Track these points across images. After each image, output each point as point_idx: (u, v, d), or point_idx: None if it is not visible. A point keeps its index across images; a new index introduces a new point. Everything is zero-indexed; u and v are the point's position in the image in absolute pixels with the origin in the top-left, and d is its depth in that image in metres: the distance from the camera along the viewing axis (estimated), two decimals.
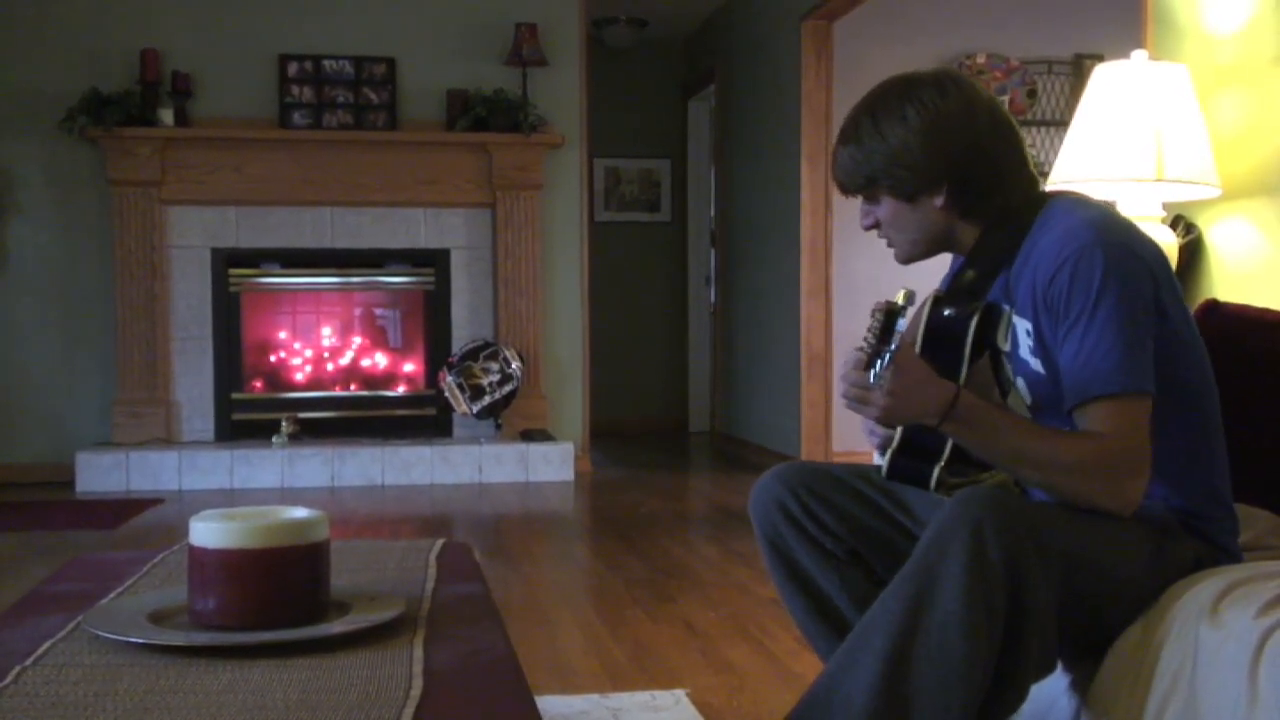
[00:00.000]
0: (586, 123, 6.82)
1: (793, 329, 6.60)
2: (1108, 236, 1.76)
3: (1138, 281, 1.75)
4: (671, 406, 9.03)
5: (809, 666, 2.89)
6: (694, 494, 6.47)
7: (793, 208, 6.57)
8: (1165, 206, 3.21)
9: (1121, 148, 3.03)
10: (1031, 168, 1.92)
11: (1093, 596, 1.70)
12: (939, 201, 1.87)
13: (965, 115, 1.86)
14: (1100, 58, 5.83)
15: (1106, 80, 3.13)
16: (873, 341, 1.76)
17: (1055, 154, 3.28)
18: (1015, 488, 2.02)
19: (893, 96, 1.89)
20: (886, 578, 1.96)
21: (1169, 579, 1.75)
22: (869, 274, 6.69)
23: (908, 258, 1.96)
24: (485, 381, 6.24)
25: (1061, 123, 6.57)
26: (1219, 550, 1.84)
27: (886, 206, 1.91)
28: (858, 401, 1.80)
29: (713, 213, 8.60)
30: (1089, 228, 1.77)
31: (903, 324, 1.77)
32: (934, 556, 1.63)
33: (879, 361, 1.75)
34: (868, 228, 1.97)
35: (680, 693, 2.77)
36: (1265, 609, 1.54)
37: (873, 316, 1.78)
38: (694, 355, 9.00)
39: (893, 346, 1.74)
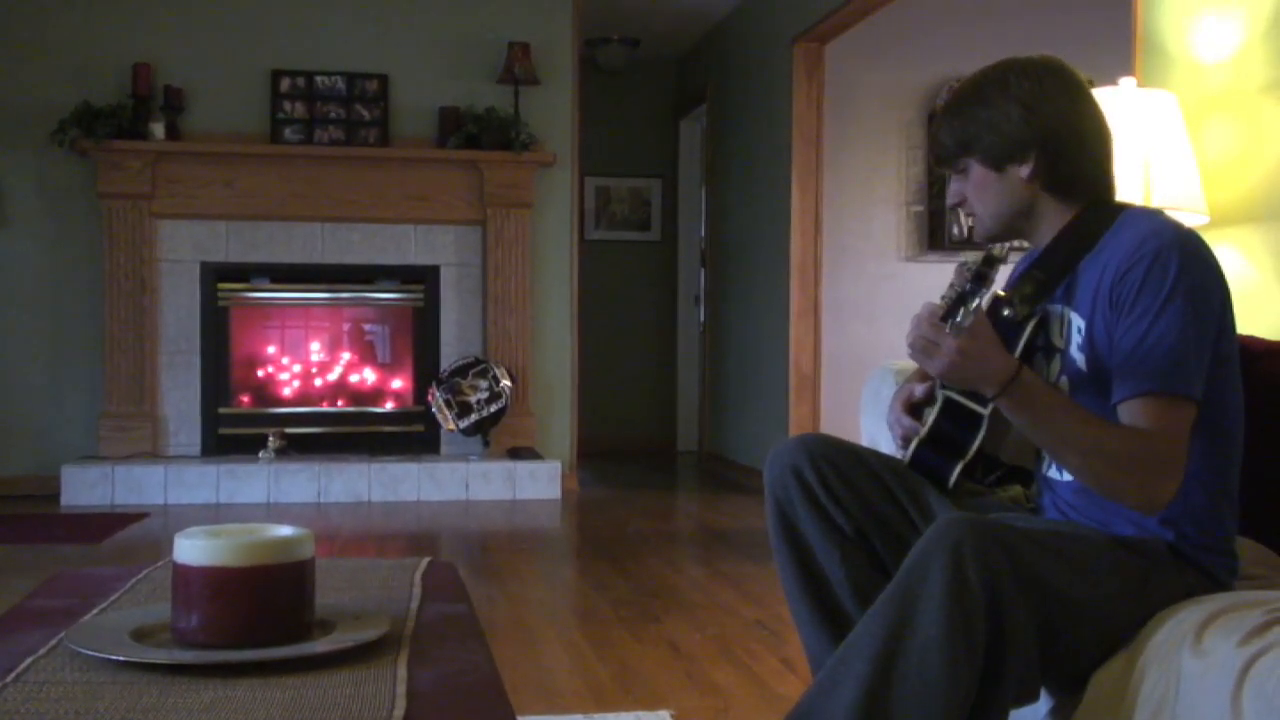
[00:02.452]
0: (578, 141, 6.84)
1: (782, 350, 6.61)
2: (1187, 242, 1.80)
3: (1209, 290, 1.78)
4: (660, 426, 9.03)
5: (794, 688, 2.89)
6: (681, 514, 6.46)
7: (783, 229, 6.59)
8: None
9: None
10: (1113, 176, 1.96)
11: (1070, 624, 1.70)
12: (1025, 171, 1.90)
13: (1067, 93, 1.92)
14: (1089, 83, 5.86)
15: None
16: (962, 289, 1.74)
17: None
18: (1026, 504, 2.03)
19: (1003, 69, 1.95)
20: (890, 565, 1.94)
21: (1154, 609, 1.75)
22: (858, 295, 6.71)
23: (987, 233, 1.98)
24: (474, 399, 6.23)
25: None
26: (1215, 585, 1.84)
27: (974, 175, 1.95)
28: (924, 351, 1.78)
29: (703, 232, 8.62)
30: (1171, 229, 1.81)
31: (991, 288, 1.77)
32: (914, 579, 1.63)
33: (961, 309, 1.73)
34: (953, 205, 2.01)
35: (665, 714, 2.77)
36: (1248, 637, 1.54)
37: (958, 273, 1.77)
38: (683, 375, 9.00)
39: (983, 297, 1.74)
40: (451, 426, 6.25)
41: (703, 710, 2.84)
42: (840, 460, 1.99)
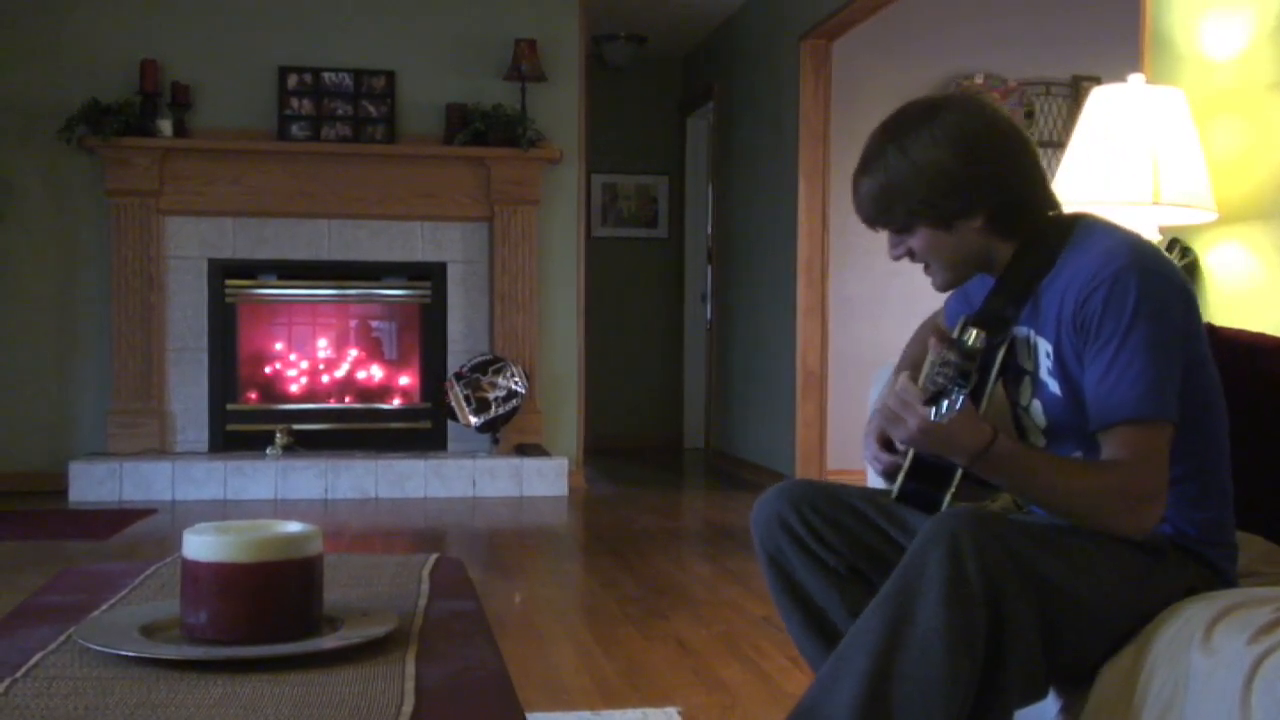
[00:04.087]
0: (585, 138, 6.84)
1: (788, 347, 6.61)
2: (1143, 261, 1.76)
3: (1170, 307, 1.75)
4: (666, 423, 9.03)
5: (801, 685, 2.89)
6: (688, 511, 6.46)
7: (789, 226, 6.58)
8: (1161, 230, 3.22)
9: (1118, 170, 3.04)
10: (1052, 189, 1.92)
11: (1071, 618, 1.70)
12: (977, 223, 1.85)
13: (994, 132, 1.84)
14: (1098, 80, 5.85)
15: (1103, 103, 3.14)
16: (943, 380, 1.73)
17: (1052, 175, 3.28)
18: (1019, 510, 2.02)
19: (916, 119, 1.84)
20: None
21: (1158, 604, 1.75)
22: (865, 293, 6.71)
23: (947, 284, 1.94)
24: (491, 396, 6.25)
25: (1059, 144, 6.58)
26: (1216, 576, 1.84)
27: (922, 236, 1.87)
28: (891, 421, 1.77)
29: (709, 230, 8.61)
30: (1126, 250, 1.77)
31: (973, 369, 1.75)
32: (913, 574, 1.63)
33: (943, 403, 1.71)
34: (897, 258, 1.93)
35: (672, 710, 2.77)
36: (1257, 635, 1.54)
37: (937, 348, 1.74)
38: (689, 372, 9.00)
39: (961, 393, 1.71)
40: (467, 421, 6.25)
41: (710, 707, 2.84)
42: (821, 503, 2.00)
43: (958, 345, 1.76)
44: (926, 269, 1.92)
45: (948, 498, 1.80)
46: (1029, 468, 1.76)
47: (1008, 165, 1.85)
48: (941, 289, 1.96)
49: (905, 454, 1.87)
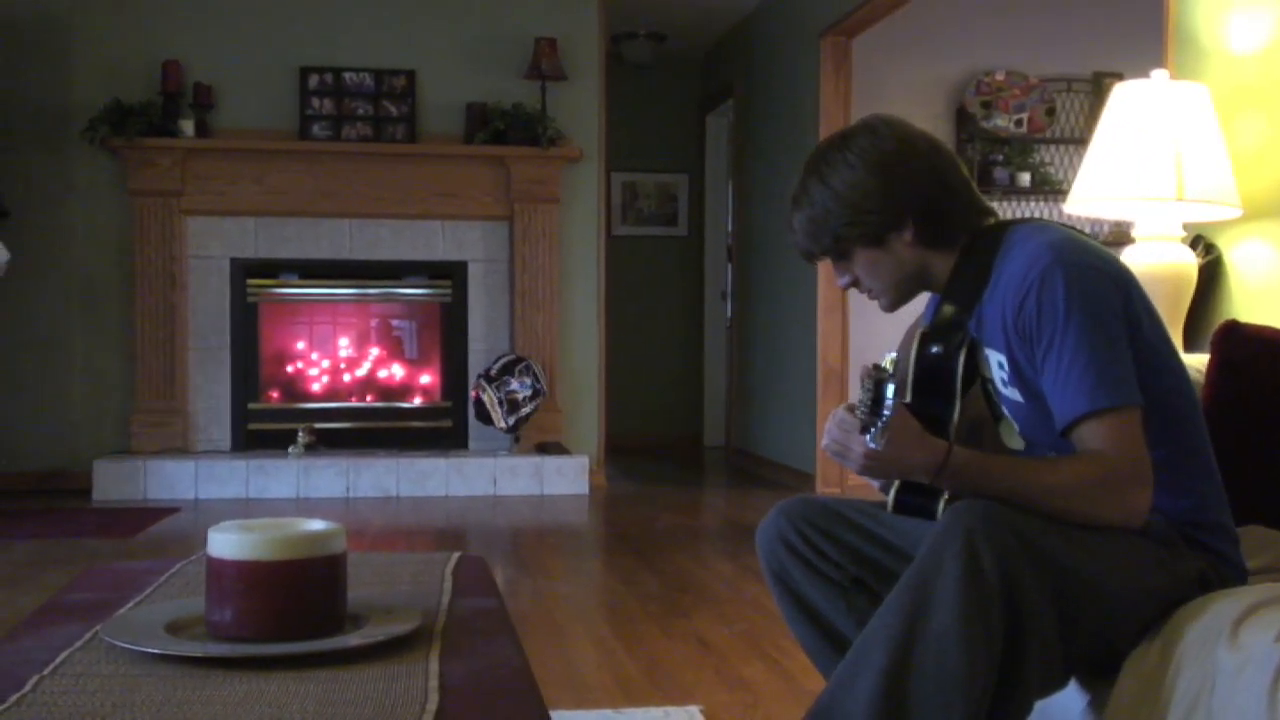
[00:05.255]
0: (604, 137, 6.84)
1: (809, 344, 6.60)
2: (1067, 256, 1.78)
3: (1103, 295, 1.77)
4: (687, 421, 9.02)
5: (822, 685, 2.88)
6: (709, 509, 6.46)
7: None
8: (1185, 226, 3.20)
9: (1141, 167, 3.03)
10: (980, 196, 1.95)
11: (1091, 609, 1.69)
12: (908, 236, 1.89)
13: (906, 146, 1.90)
14: (1120, 76, 5.83)
15: (1126, 99, 3.13)
16: (865, 413, 1.76)
17: (1074, 172, 3.27)
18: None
19: (831, 151, 1.92)
20: None
21: (1175, 593, 1.75)
22: None
23: (892, 305, 1.98)
24: (520, 396, 6.27)
25: (1080, 141, 6.56)
26: (1221, 560, 1.84)
27: (859, 258, 1.94)
28: (841, 456, 1.82)
29: (730, 227, 8.60)
30: (1047, 250, 1.79)
31: (891, 389, 1.77)
32: (928, 569, 1.64)
33: (872, 430, 1.74)
34: (845, 287, 2.00)
35: (694, 709, 2.77)
36: None
37: (863, 383, 1.78)
38: (710, 370, 8.99)
39: (885, 414, 1.74)
40: (501, 424, 6.28)
41: (731, 705, 2.84)
42: (818, 519, 2.05)
43: (876, 370, 1.78)
44: (870, 294, 1.98)
45: (941, 505, 1.81)
46: (998, 472, 1.77)
47: (924, 176, 1.89)
48: (888, 310, 2.00)
49: None
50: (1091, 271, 1.78)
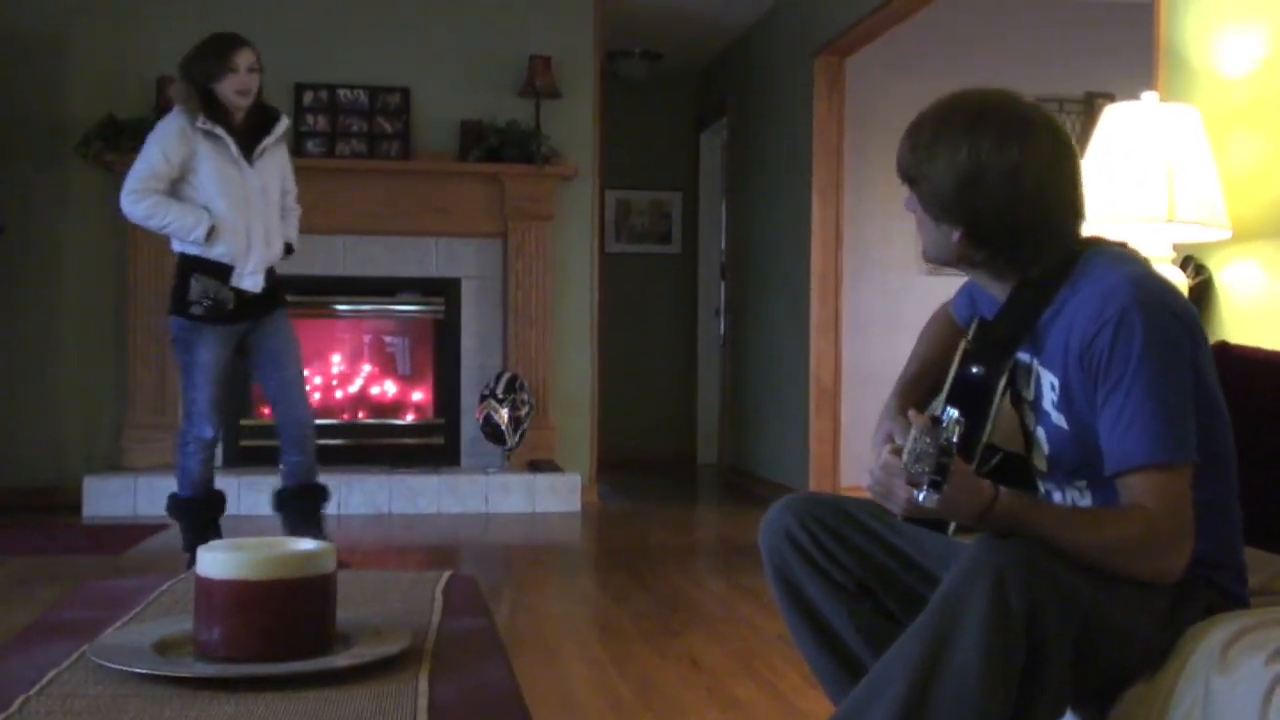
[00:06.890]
0: (599, 154, 6.85)
1: (802, 363, 6.60)
2: (1147, 297, 1.73)
3: (1178, 343, 1.73)
4: (680, 439, 9.01)
5: (816, 704, 2.88)
6: (702, 527, 6.45)
7: (803, 241, 6.58)
8: (1175, 247, 3.21)
9: (1132, 188, 3.04)
10: (1075, 226, 1.86)
11: (1108, 649, 1.69)
12: (956, 236, 1.84)
13: (1009, 179, 1.78)
14: (1111, 97, 5.84)
15: (1117, 120, 3.14)
16: (912, 462, 1.64)
17: None
18: None
19: (958, 124, 1.82)
20: (895, 611, 1.95)
21: (1182, 628, 1.74)
22: (879, 308, 6.70)
23: (927, 259, 1.94)
24: (523, 413, 6.27)
25: None
26: (1230, 598, 1.83)
27: (920, 210, 1.88)
28: (882, 496, 1.76)
29: (723, 245, 8.61)
30: (1128, 286, 1.74)
31: (947, 444, 1.65)
32: (955, 602, 1.61)
33: (924, 491, 1.63)
34: (909, 208, 1.93)
35: None
36: (1275, 655, 1.53)
37: (916, 438, 1.64)
38: (703, 388, 8.99)
39: (937, 478, 1.63)
40: (512, 442, 6.28)
41: None
42: (827, 517, 2.00)
43: (935, 432, 1.66)
44: (919, 228, 1.92)
45: (953, 524, 1.79)
46: (1039, 522, 1.70)
47: (1003, 215, 1.80)
48: (924, 259, 1.96)
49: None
50: (1168, 316, 1.73)
